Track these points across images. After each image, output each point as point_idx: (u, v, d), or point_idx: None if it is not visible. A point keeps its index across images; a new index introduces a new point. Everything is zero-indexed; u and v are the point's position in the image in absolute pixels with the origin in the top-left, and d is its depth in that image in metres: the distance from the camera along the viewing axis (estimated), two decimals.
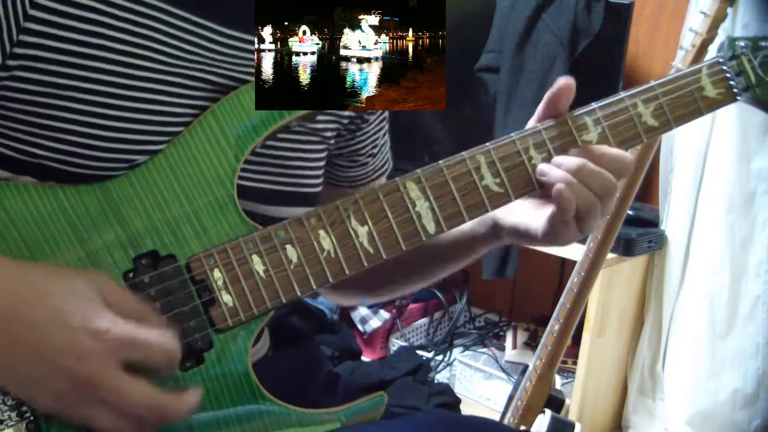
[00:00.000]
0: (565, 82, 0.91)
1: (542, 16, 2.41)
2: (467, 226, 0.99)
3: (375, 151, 1.09)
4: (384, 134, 1.11)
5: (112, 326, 0.73)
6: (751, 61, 0.98)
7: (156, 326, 0.77)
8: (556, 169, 0.89)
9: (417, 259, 1.05)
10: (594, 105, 0.93)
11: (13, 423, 0.76)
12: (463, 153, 0.89)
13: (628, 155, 0.91)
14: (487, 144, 0.90)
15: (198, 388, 0.79)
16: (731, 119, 2.30)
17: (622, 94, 0.94)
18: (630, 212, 2.14)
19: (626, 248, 2.36)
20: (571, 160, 0.89)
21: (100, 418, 0.74)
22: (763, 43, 0.99)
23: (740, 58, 0.98)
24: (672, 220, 2.47)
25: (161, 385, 0.80)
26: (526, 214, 0.95)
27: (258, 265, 0.83)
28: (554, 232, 0.91)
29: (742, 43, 0.99)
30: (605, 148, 0.91)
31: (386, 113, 1.10)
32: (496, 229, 0.99)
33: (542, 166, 0.90)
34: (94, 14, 0.79)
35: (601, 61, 2.39)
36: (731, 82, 0.97)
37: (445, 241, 1.04)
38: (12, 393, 0.75)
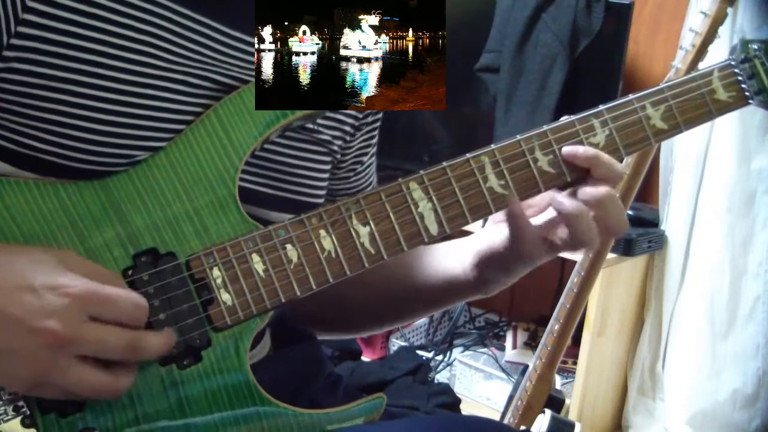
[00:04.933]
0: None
1: (542, 16, 2.41)
2: (446, 272, 1.00)
3: (358, 167, 1.07)
4: (370, 155, 1.09)
5: (73, 282, 0.73)
6: (764, 64, 0.96)
7: (120, 286, 0.77)
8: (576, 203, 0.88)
9: (394, 299, 1.06)
10: (601, 107, 0.92)
11: (9, 418, 0.75)
12: (467, 154, 0.89)
13: (620, 166, 0.91)
14: (492, 145, 0.89)
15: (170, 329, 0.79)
16: (731, 119, 2.30)
17: (631, 96, 0.93)
18: (630, 212, 2.15)
19: (626, 248, 2.36)
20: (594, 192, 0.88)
21: (80, 374, 0.73)
22: None
23: (753, 61, 0.97)
24: (672, 220, 2.48)
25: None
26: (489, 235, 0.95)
27: (258, 264, 0.82)
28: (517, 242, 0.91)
29: (755, 46, 0.97)
30: (602, 155, 0.90)
31: (375, 133, 1.08)
32: (479, 276, 0.98)
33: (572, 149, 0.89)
34: (96, 9, 0.79)
35: (601, 61, 2.39)
36: (743, 86, 0.96)
37: (422, 285, 1.03)
38: None
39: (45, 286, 0.72)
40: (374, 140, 1.08)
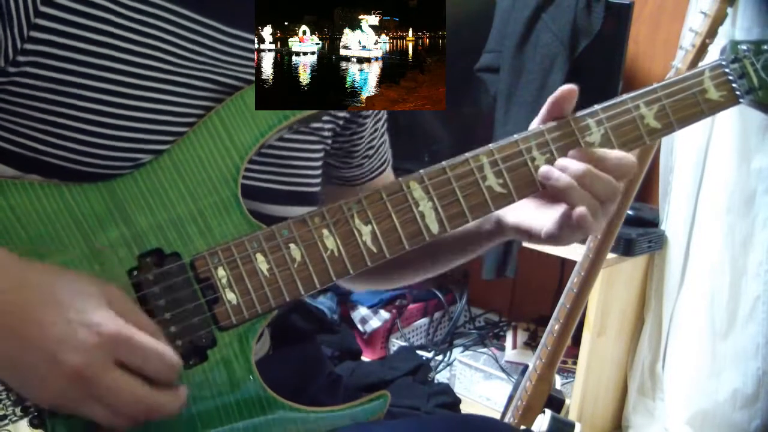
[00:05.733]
0: (568, 88, 0.92)
1: (542, 17, 2.41)
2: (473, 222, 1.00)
3: (371, 153, 1.09)
4: (381, 135, 1.11)
5: (107, 322, 0.73)
6: (753, 64, 0.99)
7: (158, 338, 0.77)
8: (560, 173, 0.89)
9: (421, 251, 1.06)
10: (597, 107, 0.93)
11: (17, 418, 0.76)
12: (466, 153, 0.90)
13: (631, 157, 0.91)
14: (490, 145, 0.90)
15: (185, 386, 0.79)
16: (731, 119, 2.30)
17: (625, 96, 0.94)
18: (630, 212, 2.15)
19: (626, 248, 2.36)
20: (575, 165, 0.89)
21: (97, 413, 0.74)
22: (765, 47, 0.99)
23: (743, 61, 0.99)
24: (672, 220, 2.48)
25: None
26: (529, 213, 0.95)
27: (262, 263, 0.83)
28: (559, 234, 0.92)
29: (744, 47, 0.99)
30: (607, 152, 0.91)
31: (382, 115, 1.10)
32: (500, 226, 0.99)
33: (545, 170, 0.90)
34: (104, 13, 0.80)
35: (601, 61, 2.39)
36: (734, 85, 0.98)
37: (451, 237, 1.04)
38: (15, 390, 0.75)
39: (79, 321, 0.72)
40: (382, 121, 1.09)
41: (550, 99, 0.92)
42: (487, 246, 1.05)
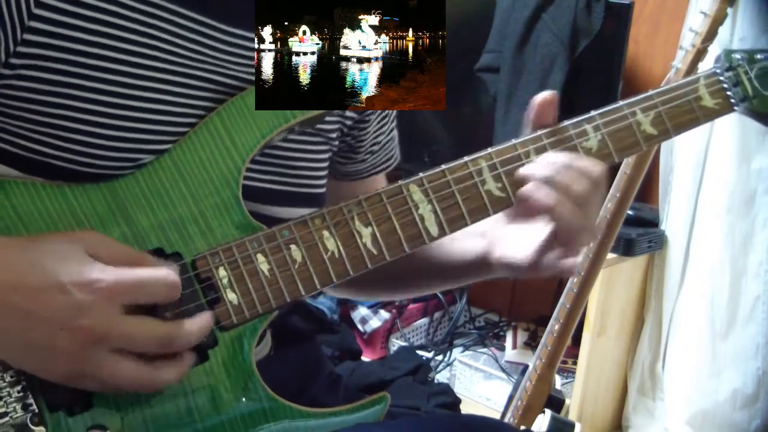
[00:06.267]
0: (545, 96, 0.92)
1: (542, 17, 2.41)
2: (459, 255, 1.01)
3: (375, 149, 1.09)
4: (389, 132, 1.11)
5: (101, 275, 0.73)
6: (747, 73, 0.99)
7: (148, 264, 0.77)
8: (547, 190, 0.88)
9: (406, 273, 1.07)
10: (593, 112, 0.94)
11: (18, 416, 0.76)
12: (465, 157, 0.90)
13: (597, 169, 0.90)
14: (489, 148, 0.91)
15: (204, 313, 0.79)
16: (731, 120, 2.30)
17: (621, 103, 0.95)
18: (630, 212, 2.14)
19: (626, 248, 2.36)
20: (538, 168, 0.89)
21: (116, 368, 0.74)
22: (758, 56, 1.01)
23: (737, 70, 0.99)
24: (672, 220, 2.48)
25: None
26: (511, 244, 0.95)
27: (263, 264, 0.83)
28: (540, 260, 0.92)
29: (738, 56, 1.00)
30: (575, 158, 0.90)
31: (390, 112, 1.10)
32: (488, 263, 0.99)
33: (527, 190, 0.89)
34: (100, 14, 0.80)
35: (601, 61, 2.39)
36: (728, 93, 0.99)
37: (436, 265, 1.05)
38: (28, 369, 0.75)
39: (75, 283, 0.72)
40: (389, 118, 1.10)
41: (534, 110, 0.92)
42: (473, 280, 1.06)
